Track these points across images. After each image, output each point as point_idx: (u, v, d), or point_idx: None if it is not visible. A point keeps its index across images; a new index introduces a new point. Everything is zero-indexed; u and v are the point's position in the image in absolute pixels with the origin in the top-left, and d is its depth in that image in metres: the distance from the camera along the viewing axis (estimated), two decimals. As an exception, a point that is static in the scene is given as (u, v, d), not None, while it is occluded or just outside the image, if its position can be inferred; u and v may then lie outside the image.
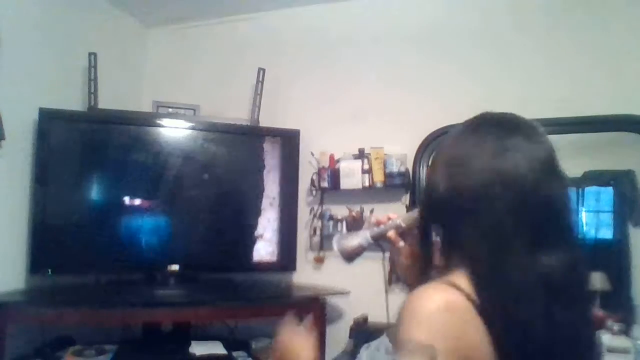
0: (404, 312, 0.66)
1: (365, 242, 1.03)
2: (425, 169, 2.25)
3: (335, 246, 1.05)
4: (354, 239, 1.04)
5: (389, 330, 0.78)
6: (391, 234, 0.98)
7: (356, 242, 1.03)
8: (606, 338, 1.77)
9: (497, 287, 0.65)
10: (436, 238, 0.77)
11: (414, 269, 0.98)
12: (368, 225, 1.05)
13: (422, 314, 0.64)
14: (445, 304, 0.64)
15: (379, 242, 1.03)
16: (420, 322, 0.64)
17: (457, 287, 0.66)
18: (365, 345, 0.89)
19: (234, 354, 2.07)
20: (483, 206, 0.68)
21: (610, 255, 2.01)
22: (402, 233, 0.99)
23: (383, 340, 0.84)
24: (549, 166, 0.70)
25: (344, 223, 2.36)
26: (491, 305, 0.64)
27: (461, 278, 0.68)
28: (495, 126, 0.74)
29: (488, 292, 0.65)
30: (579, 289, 0.70)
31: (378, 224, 1.02)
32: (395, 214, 1.02)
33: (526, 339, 0.64)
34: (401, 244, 0.98)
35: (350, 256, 1.04)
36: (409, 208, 2.28)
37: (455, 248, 0.72)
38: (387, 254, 1.09)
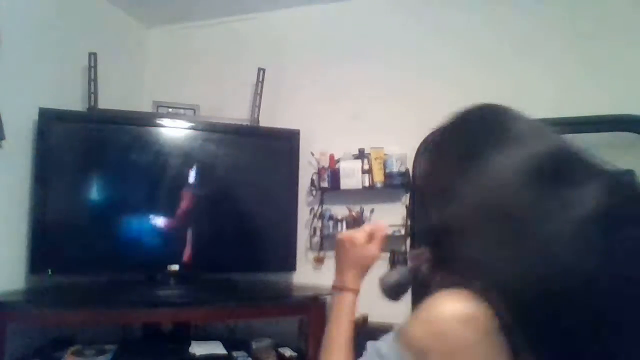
0: (421, 308, 0.64)
1: (403, 278, 0.96)
2: (425, 169, 2.25)
3: (381, 287, 0.98)
4: (394, 274, 0.97)
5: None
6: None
7: (396, 277, 0.97)
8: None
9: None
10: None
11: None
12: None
13: (436, 320, 0.61)
14: (463, 316, 0.60)
15: (417, 275, 0.96)
16: (431, 326, 0.62)
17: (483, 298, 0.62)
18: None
19: (234, 354, 2.07)
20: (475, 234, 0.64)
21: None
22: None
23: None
24: (540, 171, 0.64)
25: (344, 223, 2.36)
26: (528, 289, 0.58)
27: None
28: (479, 125, 0.73)
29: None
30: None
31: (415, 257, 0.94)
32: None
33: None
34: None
35: (397, 293, 0.97)
36: (409, 208, 2.28)
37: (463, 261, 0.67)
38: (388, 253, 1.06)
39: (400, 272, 0.98)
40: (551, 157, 0.64)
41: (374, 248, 0.89)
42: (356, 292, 0.89)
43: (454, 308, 0.61)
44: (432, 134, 0.78)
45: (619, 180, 0.65)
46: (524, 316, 0.58)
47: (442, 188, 0.70)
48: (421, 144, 0.69)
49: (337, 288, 0.89)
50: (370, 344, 0.70)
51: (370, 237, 0.89)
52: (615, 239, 0.59)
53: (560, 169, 0.64)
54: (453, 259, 0.67)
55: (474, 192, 0.65)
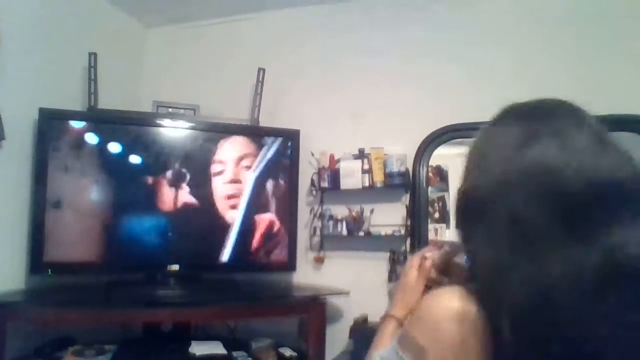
0: (418, 309, 0.66)
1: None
2: (425, 169, 2.25)
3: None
4: None
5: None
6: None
7: None
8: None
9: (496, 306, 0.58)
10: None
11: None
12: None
13: (430, 318, 0.62)
14: (457, 314, 0.60)
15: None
16: (426, 324, 0.62)
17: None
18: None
19: (234, 354, 2.07)
20: (502, 204, 0.59)
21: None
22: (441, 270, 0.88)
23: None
24: (590, 152, 0.60)
25: (344, 223, 2.36)
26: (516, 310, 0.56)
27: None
28: (523, 114, 0.67)
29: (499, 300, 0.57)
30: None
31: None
32: (432, 251, 0.91)
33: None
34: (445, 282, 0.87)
35: None
36: (409, 208, 2.28)
37: (472, 254, 0.67)
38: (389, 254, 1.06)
39: None
40: (592, 188, 0.57)
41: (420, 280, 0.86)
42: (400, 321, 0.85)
43: (448, 305, 0.61)
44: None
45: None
46: (518, 328, 0.56)
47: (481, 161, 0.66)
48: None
49: (388, 315, 0.87)
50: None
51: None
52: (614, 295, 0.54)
53: (594, 206, 0.56)
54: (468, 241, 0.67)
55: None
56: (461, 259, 0.84)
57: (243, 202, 2.33)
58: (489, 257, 0.61)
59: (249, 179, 2.34)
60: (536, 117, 0.65)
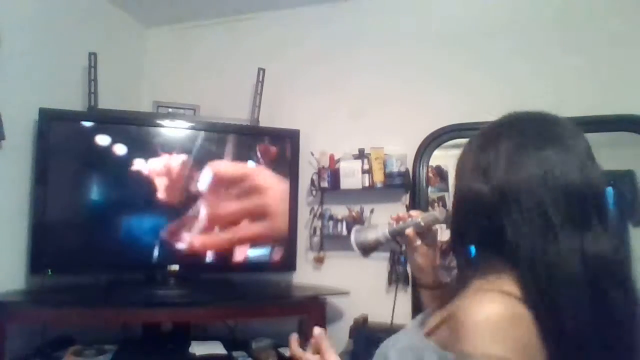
0: (466, 326, 0.65)
1: (383, 238, 1.02)
2: (425, 169, 2.25)
3: (352, 238, 1.03)
4: (372, 233, 1.03)
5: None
6: (410, 231, 0.97)
7: (374, 236, 1.02)
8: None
9: (548, 278, 0.65)
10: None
11: (428, 269, 1.00)
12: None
13: (492, 327, 0.63)
14: (512, 316, 0.64)
15: (397, 239, 1.02)
16: (493, 335, 0.62)
17: (513, 295, 0.66)
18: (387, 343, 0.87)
19: (234, 354, 2.07)
20: (531, 201, 0.69)
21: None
22: (420, 232, 0.98)
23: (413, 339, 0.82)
24: (590, 157, 0.74)
25: (344, 223, 2.36)
26: (543, 299, 0.64)
27: (508, 283, 0.68)
28: (535, 122, 0.78)
29: (539, 286, 0.65)
30: (626, 270, 0.70)
31: (397, 220, 1.01)
32: (416, 212, 1.02)
33: (579, 324, 0.64)
34: (418, 242, 0.98)
35: (366, 250, 1.03)
36: (409, 208, 2.28)
37: (499, 249, 0.70)
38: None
39: (381, 233, 1.01)
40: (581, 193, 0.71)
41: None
42: None
43: (501, 312, 0.64)
44: (485, 127, 0.82)
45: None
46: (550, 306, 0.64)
47: (485, 167, 0.75)
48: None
49: None
50: None
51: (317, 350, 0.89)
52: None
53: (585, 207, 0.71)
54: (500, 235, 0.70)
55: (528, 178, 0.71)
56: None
57: (243, 202, 2.33)
58: (531, 240, 0.68)
59: (249, 178, 2.34)
60: (546, 126, 0.77)
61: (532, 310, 0.64)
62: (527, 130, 0.75)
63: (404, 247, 1.07)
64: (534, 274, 0.66)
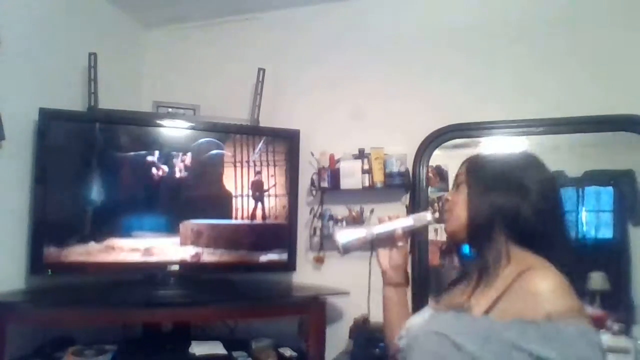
0: (542, 293, 0.81)
1: (369, 236, 1.04)
2: (425, 169, 2.25)
3: (336, 236, 1.06)
4: (357, 232, 1.05)
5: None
6: (399, 231, 1.04)
7: (358, 235, 1.05)
8: (606, 338, 1.77)
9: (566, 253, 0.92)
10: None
11: (403, 267, 1.12)
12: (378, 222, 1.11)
13: (564, 289, 0.82)
14: (565, 280, 0.84)
15: (382, 238, 1.05)
16: (566, 294, 0.81)
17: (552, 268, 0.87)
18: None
19: (234, 354, 2.07)
20: (558, 206, 0.96)
21: (610, 255, 2.02)
22: (407, 233, 1.02)
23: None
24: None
25: (344, 223, 2.36)
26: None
27: (543, 261, 0.89)
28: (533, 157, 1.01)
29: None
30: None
31: (381, 221, 1.07)
32: (398, 213, 1.07)
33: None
34: (402, 242, 1.05)
35: (347, 248, 1.06)
36: (409, 208, 2.28)
37: (529, 243, 0.92)
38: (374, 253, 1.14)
39: (368, 231, 1.03)
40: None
41: None
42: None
43: (561, 277, 0.84)
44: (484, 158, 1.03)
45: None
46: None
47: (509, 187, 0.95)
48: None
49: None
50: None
51: None
52: None
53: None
54: (533, 236, 0.92)
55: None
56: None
57: (243, 202, 2.33)
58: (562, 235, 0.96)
59: (249, 179, 2.34)
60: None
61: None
62: (531, 162, 1.03)
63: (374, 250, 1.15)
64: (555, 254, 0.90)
